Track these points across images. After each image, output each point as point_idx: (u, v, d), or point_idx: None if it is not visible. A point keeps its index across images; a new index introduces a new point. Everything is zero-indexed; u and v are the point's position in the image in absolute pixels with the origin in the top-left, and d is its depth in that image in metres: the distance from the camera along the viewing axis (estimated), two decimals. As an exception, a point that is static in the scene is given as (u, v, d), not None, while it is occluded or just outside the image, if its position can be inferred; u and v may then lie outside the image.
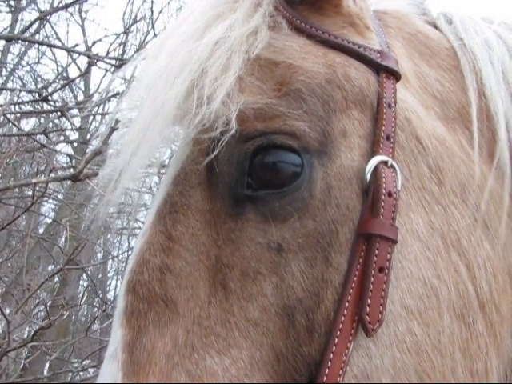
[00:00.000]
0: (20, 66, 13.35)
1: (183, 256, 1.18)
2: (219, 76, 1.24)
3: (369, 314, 1.12)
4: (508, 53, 1.52)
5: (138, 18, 15.49)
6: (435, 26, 1.64)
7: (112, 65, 4.65)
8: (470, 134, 1.41)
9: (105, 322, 9.27)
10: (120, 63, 4.54)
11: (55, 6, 11.95)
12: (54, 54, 15.94)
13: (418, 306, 1.17)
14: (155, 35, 7.56)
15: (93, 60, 4.37)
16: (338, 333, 1.10)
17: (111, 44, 12.52)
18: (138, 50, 13.60)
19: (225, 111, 1.21)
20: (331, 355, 1.09)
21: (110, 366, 1.12)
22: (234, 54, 1.27)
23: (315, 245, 1.16)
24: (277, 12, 1.37)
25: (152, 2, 9.31)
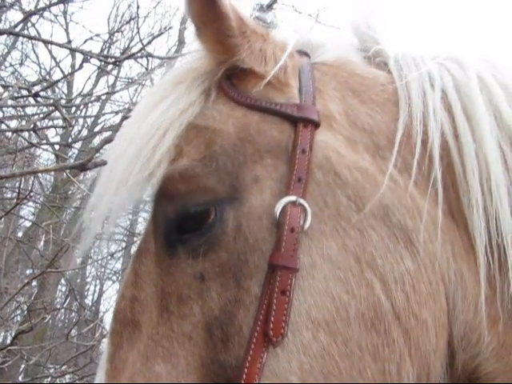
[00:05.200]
0: (3, 67, 13.18)
1: (144, 288, 1.53)
2: (158, 146, 1.57)
3: (273, 329, 1.35)
4: (452, 82, 1.64)
5: (124, 21, 15.43)
6: (383, 66, 1.77)
7: (105, 62, 4.60)
8: (401, 159, 1.55)
9: (83, 327, 9.11)
10: (114, 60, 4.50)
11: (40, 7, 11.84)
12: (37, 56, 15.82)
13: (325, 317, 1.38)
14: (140, 40, 7.59)
15: (86, 56, 4.32)
16: (253, 346, 1.35)
17: (105, 42, 12.57)
18: (123, 52, 13.56)
19: (159, 173, 1.55)
20: (247, 363, 1.34)
21: (99, 372, 1.52)
22: (170, 129, 1.59)
23: (228, 272, 1.43)
24: (214, 85, 1.65)
25: (138, 7, 9.30)
